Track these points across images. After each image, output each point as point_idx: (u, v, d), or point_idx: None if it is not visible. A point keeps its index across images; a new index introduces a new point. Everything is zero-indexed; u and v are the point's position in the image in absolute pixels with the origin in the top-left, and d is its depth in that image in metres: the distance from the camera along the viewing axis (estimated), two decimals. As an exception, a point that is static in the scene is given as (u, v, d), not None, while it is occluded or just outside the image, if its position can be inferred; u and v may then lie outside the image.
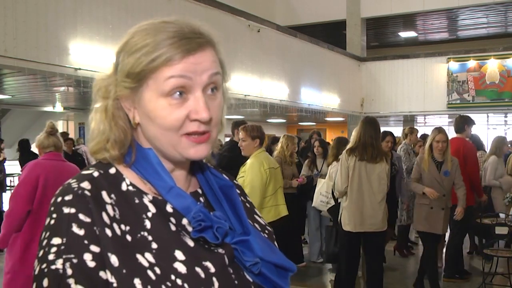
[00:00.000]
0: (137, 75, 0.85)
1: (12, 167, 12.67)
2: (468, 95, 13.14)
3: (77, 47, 6.40)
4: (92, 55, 6.47)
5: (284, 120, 17.56)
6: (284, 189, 5.25)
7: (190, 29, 0.86)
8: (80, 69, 6.41)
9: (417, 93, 13.48)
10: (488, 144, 13.52)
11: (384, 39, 18.97)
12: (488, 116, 16.06)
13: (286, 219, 5.02)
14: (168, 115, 0.84)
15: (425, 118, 16.48)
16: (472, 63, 13.07)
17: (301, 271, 6.10)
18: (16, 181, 12.48)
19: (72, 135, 12.75)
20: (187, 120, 0.84)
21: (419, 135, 8.32)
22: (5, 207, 11.32)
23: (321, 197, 5.62)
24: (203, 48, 0.86)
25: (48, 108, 12.45)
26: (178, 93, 0.83)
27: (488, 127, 20.04)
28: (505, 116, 16.29)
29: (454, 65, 13.23)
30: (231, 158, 5.28)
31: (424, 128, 20.49)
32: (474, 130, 7.02)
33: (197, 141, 0.86)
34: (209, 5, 8.53)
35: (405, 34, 17.92)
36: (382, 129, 5.48)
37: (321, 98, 12.47)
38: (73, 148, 9.49)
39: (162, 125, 0.84)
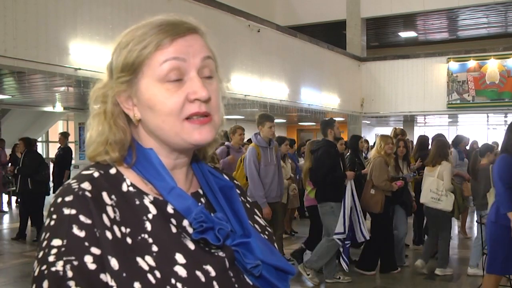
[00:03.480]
0: (131, 65, 0.86)
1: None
2: (468, 95, 13.14)
3: (77, 47, 6.40)
4: (92, 55, 6.46)
5: (284, 120, 17.56)
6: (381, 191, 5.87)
7: (176, 19, 0.88)
8: (80, 69, 6.40)
9: (417, 93, 13.49)
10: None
11: (384, 39, 18.97)
12: (488, 116, 16.06)
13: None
14: (167, 99, 0.84)
15: (425, 118, 16.49)
16: (472, 63, 13.06)
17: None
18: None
19: (72, 135, 12.74)
20: (186, 102, 0.84)
21: (417, 135, 8.53)
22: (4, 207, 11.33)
23: (431, 194, 5.94)
24: (191, 33, 0.87)
25: (48, 108, 12.45)
26: (174, 77, 0.84)
27: (488, 127, 20.06)
28: (505, 116, 16.28)
29: (454, 65, 13.23)
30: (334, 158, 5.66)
31: (424, 128, 20.52)
32: (474, 130, 7.12)
33: (200, 123, 0.85)
34: (208, 5, 8.52)
35: (405, 34, 17.91)
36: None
37: (321, 98, 12.47)
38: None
39: (162, 110, 0.84)
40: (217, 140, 0.96)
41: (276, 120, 17.44)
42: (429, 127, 20.21)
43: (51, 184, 9.93)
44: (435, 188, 5.90)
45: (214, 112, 0.88)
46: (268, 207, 5.31)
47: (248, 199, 1.06)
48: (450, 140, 8.79)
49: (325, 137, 5.82)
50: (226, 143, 6.37)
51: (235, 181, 1.03)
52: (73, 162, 10.67)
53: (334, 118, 6.29)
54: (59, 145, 10.05)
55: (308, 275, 5.63)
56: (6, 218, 11.03)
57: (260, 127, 5.51)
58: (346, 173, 5.70)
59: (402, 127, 18.00)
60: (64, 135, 10.14)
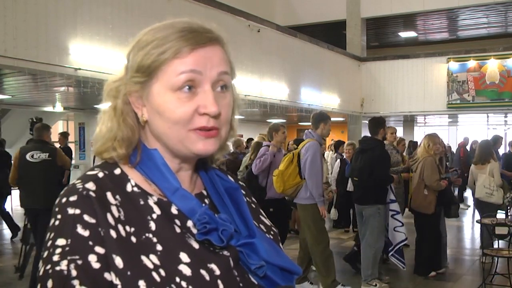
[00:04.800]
0: (147, 68, 0.85)
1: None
2: (468, 95, 13.14)
3: (77, 47, 6.40)
4: (92, 55, 6.46)
5: (284, 120, 17.55)
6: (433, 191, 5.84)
7: (199, 26, 0.87)
8: (80, 69, 6.40)
9: (417, 93, 13.48)
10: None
11: (384, 39, 18.97)
12: (488, 116, 16.07)
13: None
14: (177, 109, 0.84)
15: (425, 118, 16.49)
16: (472, 63, 13.06)
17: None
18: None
19: (72, 135, 12.74)
20: (196, 114, 0.84)
21: (417, 135, 8.67)
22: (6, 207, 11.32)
23: (485, 190, 6.58)
24: (212, 43, 0.87)
25: (48, 108, 12.44)
26: (187, 87, 0.84)
27: (488, 127, 20.07)
28: (505, 116, 16.30)
29: (454, 65, 13.23)
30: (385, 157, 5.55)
31: (424, 128, 20.53)
32: (474, 130, 7.46)
33: (206, 136, 0.85)
34: (209, 5, 8.52)
35: (405, 34, 17.91)
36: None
37: (321, 98, 12.46)
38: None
39: (171, 119, 0.84)
40: (226, 148, 0.96)
41: (276, 120, 17.50)
42: (429, 127, 20.21)
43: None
44: (488, 184, 6.57)
45: (222, 126, 0.88)
46: (324, 207, 5.16)
47: (253, 199, 1.05)
48: (449, 140, 8.89)
49: (375, 135, 5.59)
50: (266, 142, 6.03)
51: (240, 182, 1.03)
52: (73, 162, 10.66)
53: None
54: (59, 145, 10.04)
55: (376, 285, 5.41)
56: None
57: (322, 124, 5.25)
58: (393, 176, 5.64)
59: (402, 127, 17.98)
60: (64, 135, 10.13)
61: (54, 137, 13.58)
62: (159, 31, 0.86)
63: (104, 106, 0.91)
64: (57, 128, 15.66)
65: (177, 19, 0.88)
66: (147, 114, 0.87)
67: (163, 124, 0.85)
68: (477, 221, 5.79)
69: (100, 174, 0.85)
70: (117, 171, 0.87)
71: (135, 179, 0.87)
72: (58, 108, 12.23)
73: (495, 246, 6.00)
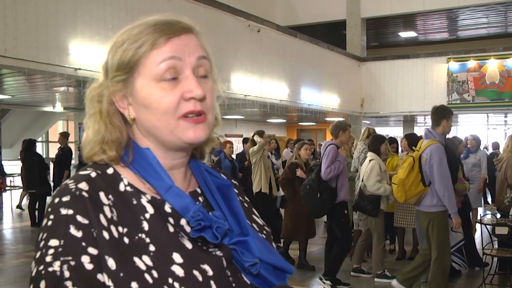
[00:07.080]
0: (127, 64, 0.86)
1: (13, 167, 12.68)
2: (468, 95, 13.13)
3: (77, 47, 6.40)
4: (92, 55, 6.46)
5: (284, 120, 17.56)
6: None
7: (171, 18, 0.89)
8: (80, 69, 6.41)
9: (417, 93, 13.48)
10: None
11: (384, 39, 18.96)
12: (488, 116, 16.05)
13: None
14: (163, 98, 0.85)
15: (425, 118, 16.46)
16: (472, 63, 13.06)
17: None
18: (16, 181, 12.51)
19: (72, 135, 12.74)
20: (182, 100, 0.85)
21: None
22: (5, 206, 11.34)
23: None
24: (186, 32, 0.88)
25: (48, 108, 12.45)
26: (170, 76, 0.85)
27: (488, 127, 20.05)
28: (505, 116, 16.29)
29: (454, 65, 13.23)
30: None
31: (424, 128, 20.49)
32: (474, 130, 7.29)
33: (195, 122, 0.86)
34: (209, 5, 8.52)
35: (405, 34, 17.91)
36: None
37: (321, 98, 12.46)
38: None
39: (158, 109, 0.85)
40: (213, 140, 0.96)
41: (276, 120, 17.50)
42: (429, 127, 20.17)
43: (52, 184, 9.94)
44: None
45: (209, 111, 0.88)
46: (458, 218, 4.67)
47: (246, 198, 1.05)
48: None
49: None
50: (332, 141, 5.52)
51: (232, 181, 1.03)
52: (73, 162, 10.66)
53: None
54: (59, 145, 10.05)
55: None
56: (7, 218, 11.05)
57: (444, 121, 4.72)
58: None
59: (402, 127, 17.91)
60: (64, 135, 10.13)
61: (54, 137, 13.59)
62: (133, 29, 0.89)
63: (89, 111, 0.91)
64: (57, 128, 15.67)
65: (149, 17, 0.90)
66: (133, 112, 0.88)
67: (152, 117, 0.86)
68: (477, 221, 5.79)
69: (93, 174, 0.85)
70: (110, 171, 0.87)
71: (128, 178, 0.87)
72: (58, 108, 12.24)
73: (495, 246, 5.99)
